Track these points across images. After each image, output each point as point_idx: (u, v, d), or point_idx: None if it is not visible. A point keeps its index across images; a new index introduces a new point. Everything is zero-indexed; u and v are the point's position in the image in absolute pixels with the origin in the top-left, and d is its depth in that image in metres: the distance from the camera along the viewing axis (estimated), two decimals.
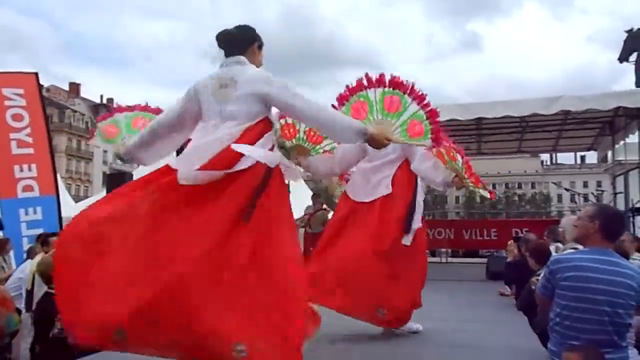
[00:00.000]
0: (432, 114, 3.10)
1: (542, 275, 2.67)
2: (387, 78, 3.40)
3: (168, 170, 2.20)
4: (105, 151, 54.94)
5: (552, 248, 4.62)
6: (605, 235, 2.37)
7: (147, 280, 1.96)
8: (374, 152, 3.83)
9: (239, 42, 2.43)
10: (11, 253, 6.11)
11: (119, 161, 2.65)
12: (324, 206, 8.24)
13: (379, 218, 3.74)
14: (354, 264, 3.63)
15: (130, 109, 3.34)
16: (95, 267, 2.00)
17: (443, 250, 12.34)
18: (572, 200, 41.68)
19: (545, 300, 2.48)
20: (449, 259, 12.03)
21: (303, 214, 8.05)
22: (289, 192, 2.50)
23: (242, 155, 2.16)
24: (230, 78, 2.31)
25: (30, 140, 6.87)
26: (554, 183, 47.79)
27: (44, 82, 8.32)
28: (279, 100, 2.29)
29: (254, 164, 2.18)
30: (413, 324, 3.99)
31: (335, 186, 5.02)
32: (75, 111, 50.72)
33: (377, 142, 2.49)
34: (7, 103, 6.84)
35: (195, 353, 2.01)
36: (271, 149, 2.32)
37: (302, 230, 7.45)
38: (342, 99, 3.45)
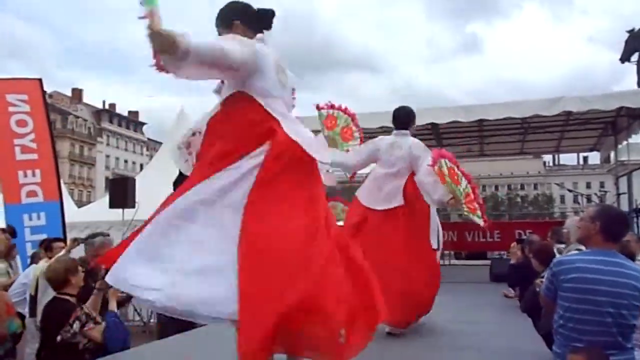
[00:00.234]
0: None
1: (545, 277, 2.67)
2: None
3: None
4: (107, 156, 55.25)
5: (555, 250, 4.61)
6: (606, 236, 2.37)
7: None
8: (385, 158, 4.14)
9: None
10: (17, 258, 6.14)
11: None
12: None
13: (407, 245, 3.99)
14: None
15: None
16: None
17: (446, 252, 12.31)
18: (575, 201, 41.56)
19: (549, 302, 2.48)
20: (452, 261, 12.00)
21: None
22: None
23: None
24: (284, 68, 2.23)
25: (34, 145, 6.91)
26: (557, 184, 47.64)
27: (47, 88, 8.40)
28: None
29: None
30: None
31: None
32: (77, 117, 50.92)
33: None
34: (11, 109, 6.88)
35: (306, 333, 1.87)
36: None
37: None
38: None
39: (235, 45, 1.94)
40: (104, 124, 55.01)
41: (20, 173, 6.80)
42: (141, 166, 49.54)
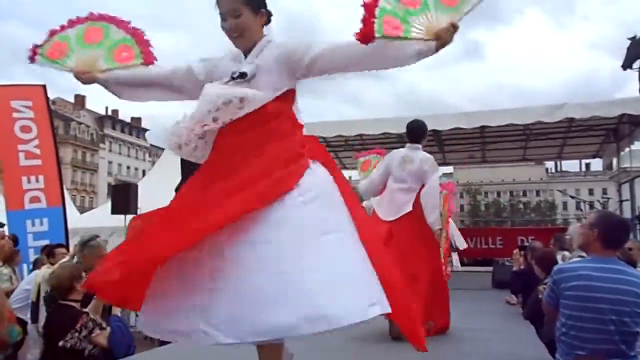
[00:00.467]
0: (137, 35, 2.53)
1: (547, 284, 2.66)
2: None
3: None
4: (110, 162, 55.43)
5: (558, 257, 4.60)
6: (605, 243, 2.36)
7: None
8: (397, 174, 4.44)
9: None
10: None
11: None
12: None
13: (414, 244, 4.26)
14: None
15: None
16: None
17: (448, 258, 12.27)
18: (578, 207, 41.47)
19: (551, 310, 2.48)
20: (454, 268, 11.96)
21: None
22: None
23: None
24: None
25: (38, 151, 6.94)
26: (560, 191, 47.61)
27: (50, 94, 8.43)
28: None
29: None
30: None
31: None
32: (80, 123, 51.13)
33: None
34: (15, 115, 6.92)
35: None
36: None
37: None
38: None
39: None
40: (106, 130, 55.20)
41: (24, 179, 6.82)
42: (143, 172, 49.67)
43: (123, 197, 8.51)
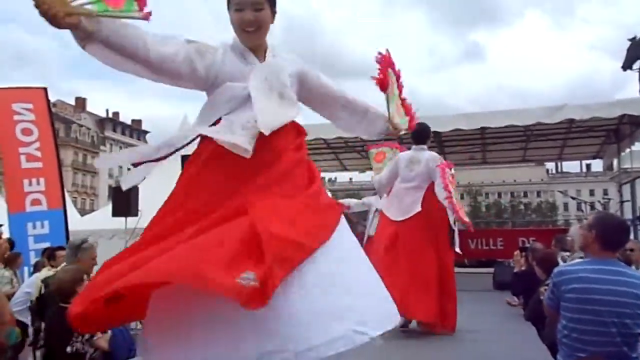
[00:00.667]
0: None
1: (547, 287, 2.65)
2: None
3: None
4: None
5: (559, 258, 4.59)
6: (604, 245, 2.34)
7: None
8: (404, 174, 4.75)
9: None
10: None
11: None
12: None
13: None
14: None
15: None
16: None
17: None
18: (579, 208, 41.43)
19: (552, 313, 2.47)
20: (455, 269, 11.94)
21: None
22: None
23: None
24: None
25: (39, 154, 6.93)
26: (560, 192, 47.53)
27: (51, 97, 8.44)
28: None
29: None
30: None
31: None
32: (81, 125, 51.17)
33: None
34: (16, 118, 6.92)
35: None
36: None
37: None
38: None
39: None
40: (107, 132, 55.23)
41: (25, 181, 6.81)
42: None
43: (124, 199, 8.48)
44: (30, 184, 6.83)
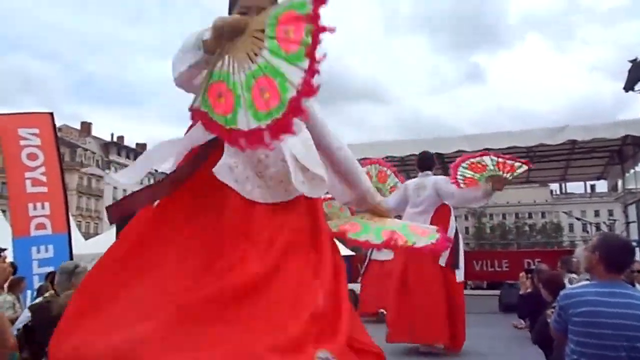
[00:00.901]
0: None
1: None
2: None
3: None
4: (115, 188, 55.64)
5: (565, 280, 4.56)
6: (608, 267, 2.31)
7: None
8: (413, 200, 5.06)
9: None
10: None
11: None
12: None
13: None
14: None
15: None
16: None
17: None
18: (585, 229, 41.13)
19: (560, 336, 2.43)
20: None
21: None
22: None
23: None
24: None
25: (44, 179, 6.98)
26: (565, 212, 47.33)
27: (57, 122, 8.57)
28: None
29: None
30: None
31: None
32: (86, 149, 51.61)
33: None
34: (22, 143, 6.99)
35: None
36: None
37: None
38: None
39: None
40: (112, 156, 55.66)
41: (30, 205, 6.85)
42: None
43: (128, 222, 8.52)
44: (35, 208, 6.86)
